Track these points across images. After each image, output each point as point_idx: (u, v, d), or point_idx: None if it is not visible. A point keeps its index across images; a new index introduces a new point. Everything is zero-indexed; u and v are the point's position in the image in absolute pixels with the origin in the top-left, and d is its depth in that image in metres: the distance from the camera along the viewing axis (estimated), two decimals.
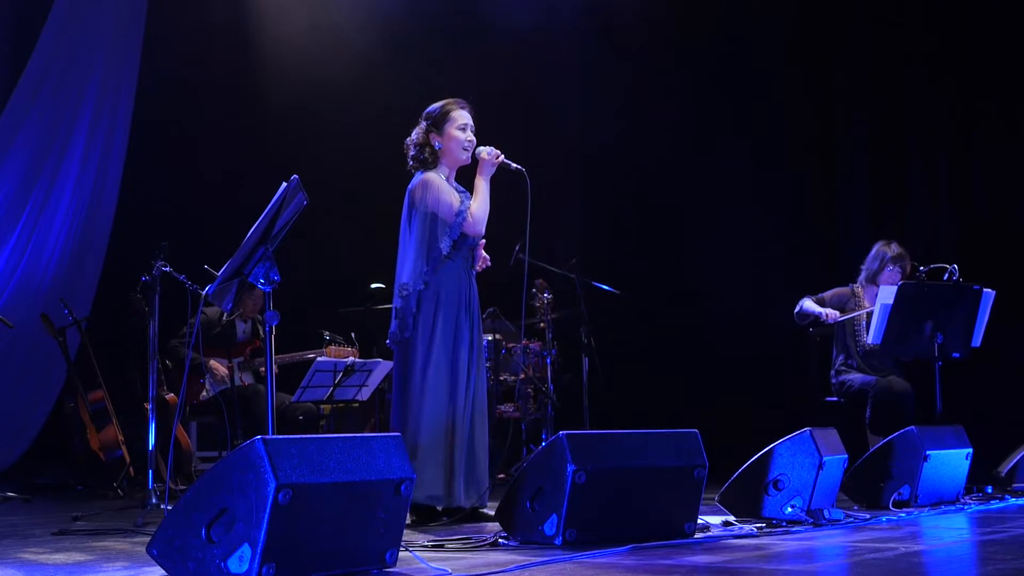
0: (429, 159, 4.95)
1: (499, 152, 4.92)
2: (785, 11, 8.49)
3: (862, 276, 6.61)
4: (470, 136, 4.97)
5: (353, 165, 8.85)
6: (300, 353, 6.94)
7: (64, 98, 8.01)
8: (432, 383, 4.76)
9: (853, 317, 6.44)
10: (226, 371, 6.84)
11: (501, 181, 4.96)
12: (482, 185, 4.89)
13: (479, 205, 4.86)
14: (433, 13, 9.05)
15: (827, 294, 6.59)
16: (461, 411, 4.79)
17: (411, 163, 5.00)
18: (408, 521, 4.30)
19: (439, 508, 4.74)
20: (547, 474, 3.84)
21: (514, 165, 4.92)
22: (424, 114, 5.01)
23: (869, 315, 6.35)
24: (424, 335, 4.80)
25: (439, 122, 4.96)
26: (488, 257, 5.03)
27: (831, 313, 6.43)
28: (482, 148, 4.93)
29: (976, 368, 6.55)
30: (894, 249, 6.53)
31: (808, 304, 6.51)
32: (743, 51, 8.60)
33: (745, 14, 8.55)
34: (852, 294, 6.56)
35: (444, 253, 4.83)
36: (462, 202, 4.85)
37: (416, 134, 5.00)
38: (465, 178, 5.03)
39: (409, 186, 4.95)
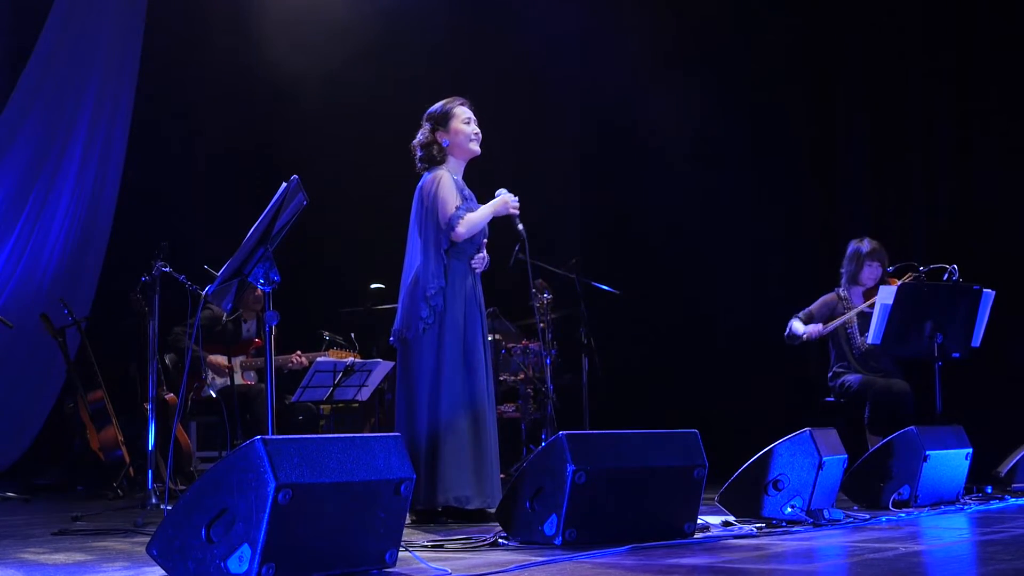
0: (437, 157, 4.96)
1: (518, 206, 4.92)
2: (787, 16, 8.49)
3: (843, 279, 6.59)
4: (475, 128, 4.98)
5: (354, 165, 8.85)
6: (284, 357, 6.89)
7: (64, 98, 8.01)
8: (447, 382, 4.75)
9: (838, 325, 6.42)
10: (226, 364, 6.82)
11: (503, 181, 4.98)
12: (486, 211, 4.89)
13: (474, 220, 4.84)
14: (432, 8, 9.03)
15: (814, 306, 6.57)
16: (480, 409, 4.79)
17: (419, 164, 5.01)
18: (408, 521, 4.30)
19: (468, 508, 4.70)
20: (547, 474, 3.83)
21: (520, 226, 4.93)
22: (426, 115, 5.02)
23: (860, 315, 6.36)
24: (432, 333, 4.80)
25: (443, 120, 4.97)
26: (488, 258, 5.03)
27: (811, 331, 6.41)
28: (507, 193, 4.92)
29: (976, 368, 6.55)
30: (867, 245, 6.52)
31: (795, 325, 6.49)
32: (745, 54, 8.59)
33: (747, 19, 8.54)
34: (839, 298, 6.55)
35: (444, 248, 4.84)
36: (457, 208, 4.83)
37: (421, 135, 5.00)
38: (472, 178, 5.04)
39: (419, 184, 4.96)
